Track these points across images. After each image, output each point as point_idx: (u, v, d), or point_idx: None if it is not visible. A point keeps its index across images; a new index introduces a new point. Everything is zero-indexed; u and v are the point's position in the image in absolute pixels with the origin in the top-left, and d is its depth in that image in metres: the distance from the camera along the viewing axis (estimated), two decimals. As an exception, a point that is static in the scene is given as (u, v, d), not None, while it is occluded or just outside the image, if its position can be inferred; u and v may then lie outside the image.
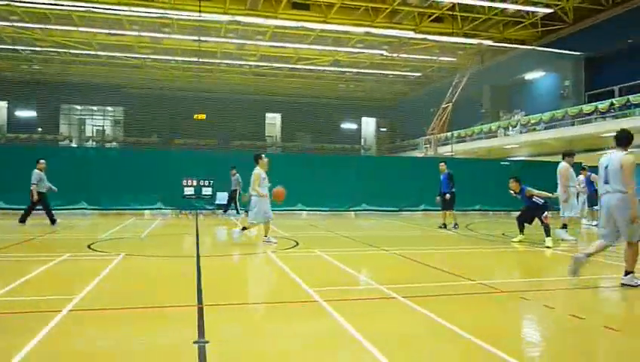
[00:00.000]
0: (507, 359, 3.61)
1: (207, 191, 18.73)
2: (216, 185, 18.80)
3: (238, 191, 17.85)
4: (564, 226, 11.49)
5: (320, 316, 4.87)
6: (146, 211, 18.92)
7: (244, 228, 10.44)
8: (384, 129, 53.01)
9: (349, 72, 40.13)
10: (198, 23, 28.25)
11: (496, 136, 33.18)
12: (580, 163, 16.74)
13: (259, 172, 10.04)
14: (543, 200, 10.85)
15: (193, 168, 18.77)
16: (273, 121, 50.08)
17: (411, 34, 29.11)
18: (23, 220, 13.12)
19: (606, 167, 6.46)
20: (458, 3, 26.17)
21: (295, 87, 45.31)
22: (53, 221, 13.28)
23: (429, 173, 20.65)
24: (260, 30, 30.44)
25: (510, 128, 32.15)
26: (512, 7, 26.39)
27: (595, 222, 15.65)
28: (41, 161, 13.39)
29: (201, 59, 34.84)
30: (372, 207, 20.41)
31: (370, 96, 49.72)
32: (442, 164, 14.81)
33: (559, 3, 26.49)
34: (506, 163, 24.84)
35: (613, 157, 6.39)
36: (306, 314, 5.06)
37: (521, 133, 30.99)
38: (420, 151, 36.81)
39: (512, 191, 11.25)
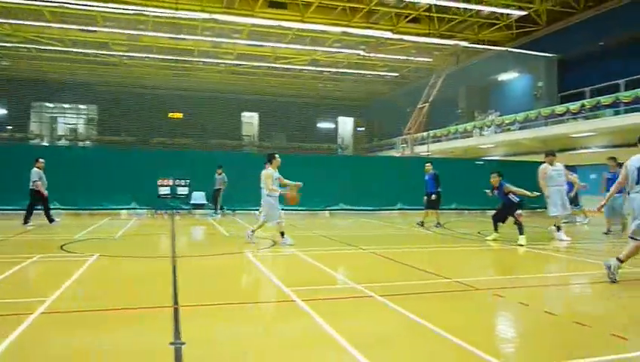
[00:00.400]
0: (482, 356, 3.66)
1: (182, 190, 18.55)
2: (194, 184, 18.62)
3: (221, 191, 17.73)
4: (558, 227, 11.44)
5: (298, 316, 4.86)
6: (122, 211, 18.62)
7: (282, 234, 10.04)
8: (361, 128, 53.23)
9: (326, 71, 40.15)
10: (174, 21, 27.91)
11: (472, 136, 33.61)
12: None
13: (271, 172, 9.93)
14: (518, 199, 10.91)
15: (169, 167, 18.55)
16: (250, 120, 49.80)
17: (388, 34, 29.25)
18: (26, 221, 13.11)
19: (638, 168, 6.60)
20: (434, 4, 26.39)
21: (273, 86, 45.14)
22: (51, 220, 13.48)
23: (406, 172, 20.87)
24: (236, 28, 30.24)
25: (485, 128, 32.59)
26: (486, 9, 26.73)
27: (580, 219, 15.92)
28: (41, 160, 13.55)
29: (177, 57, 34.45)
30: (349, 207, 20.46)
31: (347, 95, 49.85)
32: (428, 164, 14.96)
33: (532, 6, 26.93)
34: (481, 162, 25.18)
35: None
36: (283, 314, 5.05)
37: (496, 133, 31.43)
38: (396, 151, 37.03)
39: (488, 191, 11.35)
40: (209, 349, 3.88)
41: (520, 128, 29.54)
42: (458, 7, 27.16)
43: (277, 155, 10.22)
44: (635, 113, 22.30)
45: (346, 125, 53.78)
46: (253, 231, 10.16)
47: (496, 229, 11.20)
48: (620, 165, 12.77)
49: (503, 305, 5.54)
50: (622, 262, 6.55)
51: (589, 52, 27.40)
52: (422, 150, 34.06)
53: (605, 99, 23.88)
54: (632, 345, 3.99)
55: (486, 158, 29.75)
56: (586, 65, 28.21)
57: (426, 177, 14.61)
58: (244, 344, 4.05)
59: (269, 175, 9.86)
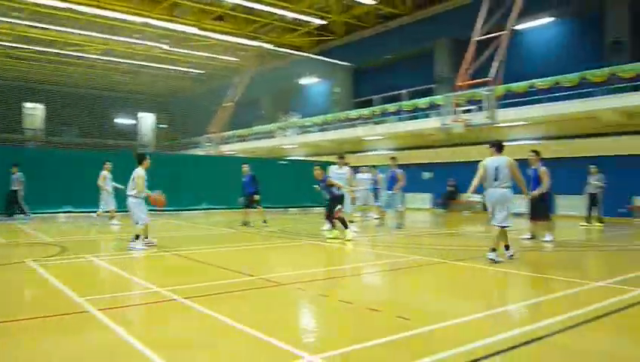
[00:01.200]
0: (285, 347, 3.72)
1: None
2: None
3: (19, 191, 15.53)
4: (350, 222, 12.04)
5: (93, 328, 4.38)
6: None
7: (137, 237, 9.41)
8: (164, 125, 51.17)
9: (125, 63, 37.63)
10: None
11: (275, 137, 34.73)
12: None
13: (144, 173, 9.48)
14: (340, 192, 11.32)
15: None
16: (33, 111, 44.09)
17: (193, 30, 28.60)
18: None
19: (495, 167, 7.87)
20: (239, 4, 26.57)
21: (61, 75, 40.74)
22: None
23: (211, 171, 20.59)
24: (16, 6, 26.47)
25: (288, 129, 33.95)
26: (290, 14, 27.82)
27: (372, 215, 17.29)
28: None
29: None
30: (149, 207, 19.27)
31: (148, 90, 47.46)
32: (245, 166, 14.99)
33: (331, 16, 28.86)
34: (285, 162, 26.12)
35: None
36: (76, 328, 4.49)
37: (297, 134, 32.96)
38: (201, 150, 36.43)
39: (316, 186, 11.62)
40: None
41: (319, 130, 31.44)
42: (263, 10, 27.77)
43: (148, 156, 9.85)
44: (414, 121, 25.41)
45: (147, 121, 51.16)
46: (147, 237, 9.62)
47: (333, 225, 11.40)
48: (400, 166, 14.50)
49: (304, 298, 5.75)
50: (495, 250, 7.87)
51: (379, 63, 30.43)
52: (227, 149, 34.06)
53: (391, 107, 26.73)
54: (413, 324, 4.45)
55: (290, 158, 30.96)
56: (377, 75, 31.28)
57: (244, 178, 14.74)
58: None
59: (142, 176, 9.45)
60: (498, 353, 3.68)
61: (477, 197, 10.82)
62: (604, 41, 19.77)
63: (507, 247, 8.19)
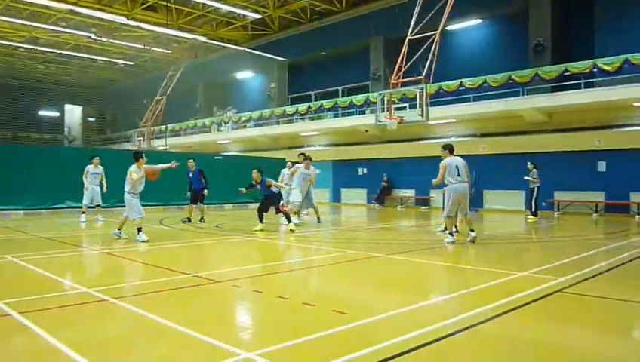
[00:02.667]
0: (220, 346, 3.66)
1: None
2: None
3: None
4: (295, 214, 13.28)
5: (14, 332, 4.12)
6: None
7: (139, 230, 9.71)
8: (92, 118, 48.98)
9: (49, 52, 35.65)
10: None
11: (210, 132, 34.12)
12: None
13: (136, 170, 9.82)
14: (277, 190, 12.11)
15: None
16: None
17: (123, 19, 27.48)
18: None
19: (456, 166, 9.27)
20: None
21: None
22: None
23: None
24: None
25: (223, 124, 33.43)
26: (224, 7, 27.33)
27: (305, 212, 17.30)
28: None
29: None
30: (76, 204, 18.35)
31: (76, 81, 45.21)
32: (191, 160, 14.74)
33: (267, 10, 28.63)
34: (220, 157, 25.68)
35: None
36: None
37: (233, 129, 32.54)
38: (132, 144, 35.12)
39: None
40: None
41: (255, 126, 31.18)
42: (197, 2, 27.14)
43: (143, 154, 10.23)
44: (349, 117, 25.73)
45: (73, 114, 48.77)
46: (120, 229, 10.15)
47: (261, 220, 11.98)
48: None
49: (240, 295, 5.68)
50: (454, 233, 9.98)
51: (315, 59, 30.55)
52: (159, 144, 33.06)
53: (327, 103, 26.93)
54: (350, 318, 4.50)
55: (225, 154, 30.52)
56: (313, 71, 31.40)
57: (191, 174, 14.46)
58: None
59: (132, 171, 9.80)
60: (431, 342, 3.80)
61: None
62: (529, 42, 20.85)
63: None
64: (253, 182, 12.00)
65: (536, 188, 16.00)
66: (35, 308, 4.83)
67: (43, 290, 5.73)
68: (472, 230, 9.79)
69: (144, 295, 5.42)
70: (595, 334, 4.29)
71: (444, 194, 10.26)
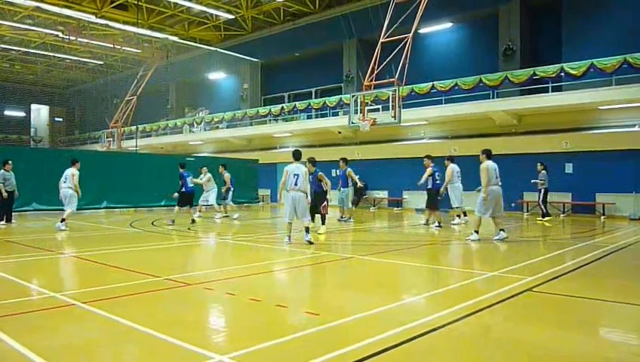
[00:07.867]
0: (193, 349, 3.61)
1: None
2: None
3: None
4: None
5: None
6: None
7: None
8: (60, 119, 47.85)
9: (14, 50, 34.70)
10: None
11: (182, 133, 33.71)
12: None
13: (76, 172, 12.40)
14: (325, 188, 11.82)
15: None
16: None
17: (92, 18, 26.93)
18: (9, 220, 13.86)
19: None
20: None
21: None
22: (9, 220, 13.86)
23: (111, 168, 19.52)
24: None
25: (195, 125, 33.06)
26: (196, 7, 27.06)
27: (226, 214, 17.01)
28: (10, 162, 13.98)
29: None
30: (44, 207, 17.92)
31: (42, 80, 44.09)
32: (181, 164, 14.67)
33: (240, 11, 28.45)
34: (192, 158, 25.37)
35: None
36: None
37: (205, 130, 32.22)
38: (101, 145, 34.45)
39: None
40: None
41: (228, 127, 30.94)
42: (168, 1, 26.80)
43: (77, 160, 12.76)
44: (322, 118, 25.79)
45: (40, 114, 47.57)
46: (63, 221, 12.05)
47: (319, 221, 11.97)
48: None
49: (212, 297, 5.62)
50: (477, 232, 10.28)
51: (288, 60, 30.49)
52: (130, 145, 32.50)
53: (300, 104, 26.91)
54: (322, 319, 4.50)
55: (197, 155, 30.18)
56: (287, 72, 31.33)
57: (185, 174, 14.28)
58: None
59: (76, 174, 12.44)
60: (404, 342, 3.82)
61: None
62: (499, 46, 21.24)
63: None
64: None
65: (543, 190, 16.06)
66: (1, 313, 4.68)
67: (6, 295, 5.56)
68: (502, 230, 10.27)
69: (114, 298, 5.30)
70: (560, 330, 4.37)
71: (479, 193, 10.46)
